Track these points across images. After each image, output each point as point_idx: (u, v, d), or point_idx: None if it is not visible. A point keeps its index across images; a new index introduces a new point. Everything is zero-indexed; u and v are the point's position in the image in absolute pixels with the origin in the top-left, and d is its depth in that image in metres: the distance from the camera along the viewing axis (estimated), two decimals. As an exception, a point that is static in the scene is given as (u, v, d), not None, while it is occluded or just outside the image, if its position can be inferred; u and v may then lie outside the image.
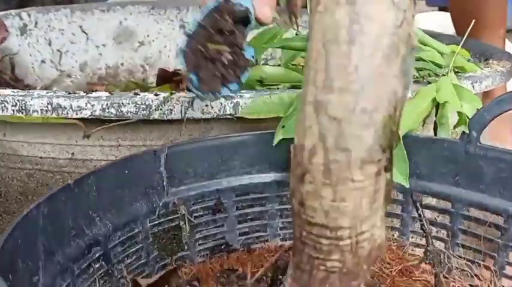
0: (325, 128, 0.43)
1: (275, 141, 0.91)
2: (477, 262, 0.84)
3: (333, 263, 0.46)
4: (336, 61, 0.42)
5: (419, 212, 0.80)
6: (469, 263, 0.85)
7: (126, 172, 0.79)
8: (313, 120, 0.44)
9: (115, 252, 0.76)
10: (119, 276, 0.75)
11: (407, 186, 0.88)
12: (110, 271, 0.74)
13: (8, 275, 0.51)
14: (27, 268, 0.56)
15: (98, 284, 0.71)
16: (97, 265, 0.72)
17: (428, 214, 0.94)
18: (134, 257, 0.81)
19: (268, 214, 1.00)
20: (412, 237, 0.93)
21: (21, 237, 0.57)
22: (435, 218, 0.95)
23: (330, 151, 0.43)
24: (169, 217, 0.88)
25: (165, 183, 0.87)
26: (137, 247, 0.81)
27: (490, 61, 1.35)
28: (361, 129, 0.42)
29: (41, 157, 1.05)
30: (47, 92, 0.97)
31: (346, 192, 0.44)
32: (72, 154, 1.05)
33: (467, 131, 0.86)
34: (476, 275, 0.82)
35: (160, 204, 0.86)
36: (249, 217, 0.99)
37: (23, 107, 0.94)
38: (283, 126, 0.92)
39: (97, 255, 0.72)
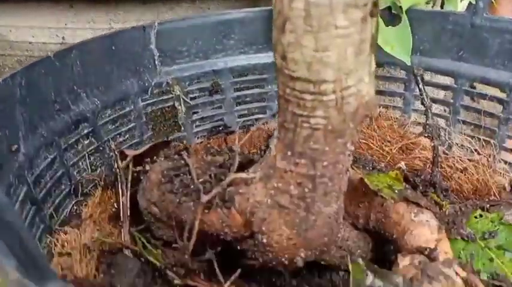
0: (306, -33, 0.39)
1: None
2: (477, 137, 0.82)
3: (317, 120, 0.44)
4: None
5: (420, 86, 0.76)
6: (468, 138, 0.83)
7: (113, 48, 0.76)
8: (293, -40, 0.39)
9: (106, 129, 0.75)
10: (111, 153, 0.74)
11: (409, 64, 0.84)
12: (101, 148, 0.74)
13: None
14: (5, 136, 0.54)
15: (88, 160, 0.70)
16: (86, 142, 0.71)
17: (430, 91, 0.91)
18: (127, 136, 0.80)
19: (267, 95, 0.97)
20: (414, 116, 0.90)
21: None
22: (437, 96, 0.92)
23: (311, -7, 0.39)
24: (164, 97, 0.86)
25: (156, 62, 0.84)
26: (130, 126, 0.80)
27: None
28: (345, -32, 0.38)
29: (30, 42, 1.01)
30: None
31: (328, 40, 0.40)
32: (63, 38, 1.01)
33: (473, 1, 0.80)
34: (476, 150, 0.81)
35: (153, 83, 0.84)
36: (248, 99, 0.97)
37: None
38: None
39: (85, 131, 0.71)
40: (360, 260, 0.58)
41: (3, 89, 0.55)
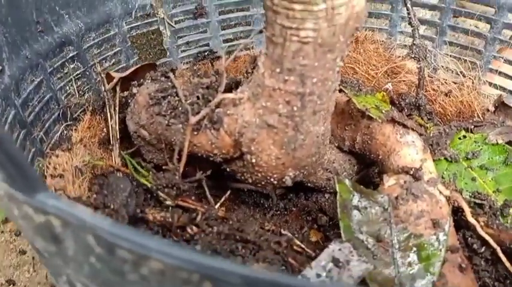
0: None
1: None
2: (463, 59, 0.83)
3: (306, 33, 0.43)
4: None
5: (408, 5, 0.75)
6: (454, 60, 0.83)
7: (93, -33, 0.73)
8: None
9: (91, 54, 0.74)
10: (98, 79, 0.73)
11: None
12: (87, 73, 0.73)
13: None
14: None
15: (75, 84, 0.70)
16: (72, 66, 0.70)
17: (419, 13, 0.90)
18: (113, 61, 0.79)
19: (252, 18, 0.95)
20: (400, 38, 0.90)
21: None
22: (425, 17, 0.91)
23: None
24: (148, 20, 0.84)
25: (140, -18, 0.82)
26: (115, 50, 0.79)
27: None
28: None
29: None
30: None
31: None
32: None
33: None
34: (461, 72, 0.81)
35: (136, 5, 0.81)
36: (233, 23, 0.95)
37: None
38: None
39: (70, 55, 0.69)
40: (347, 181, 0.59)
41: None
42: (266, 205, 0.73)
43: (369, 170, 0.76)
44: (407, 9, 0.76)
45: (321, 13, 0.42)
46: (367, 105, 0.63)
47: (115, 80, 0.61)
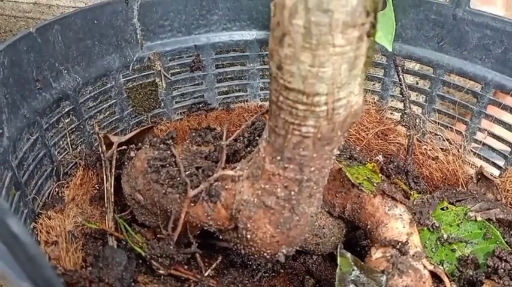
0: (308, -15, 0.39)
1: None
2: (450, 127, 0.85)
3: (307, 129, 0.45)
4: None
5: (400, 76, 0.78)
6: (442, 128, 0.85)
7: (95, 22, 0.74)
8: (295, -24, 0.39)
9: (86, 107, 0.74)
10: (91, 131, 0.74)
11: (390, 50, 0.85)
12: (82, 126, 0.73)
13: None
14: (-11, 123, 0.54)
15: (68, 139, 0.70)
16: (67, 120, 0.70)
17: (409, 79, 0.93)
18: (108, 113, 0.79)
19: (248, 73, 0.97)
20: (391, 101, 0.92)
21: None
22: (416, 83, 0.93)
23: (312, 11, 0.39)
24: (145, 73, 0.85)
25: (138, 36, 0.83)
26: (111, 103, 0.79)
27: None
28: (347, -12, 0.38)
29: (1, 0, 0.97)
30: None
31: (325, 57, 0.41)
32: (37, -2, 0.98)
33: (457, -8, 0.81)
34: (447, 139, 0.84)
35: (134, 58, 0.82)
36: (229, 76, 0.96)
37: None
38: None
39: (66, 109, 0.70)
40: (349, 255, 0.60)
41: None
42: (254, 267, 0.73)
43: (357, 232, 0.78)
44: (400, 80, 0.79)
45: (322, 113, 0.44)
46: (359, 177, 0.65)
47: (114, 146, 0.62)
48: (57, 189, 0.64)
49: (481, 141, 0.82)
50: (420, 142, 0.86)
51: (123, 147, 0.66)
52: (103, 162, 0.62)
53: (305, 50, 0.41)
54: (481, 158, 0.82)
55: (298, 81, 0.43)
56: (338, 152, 0.50)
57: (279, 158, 0.48)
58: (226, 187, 0.54)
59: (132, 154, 0.61)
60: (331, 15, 0.39)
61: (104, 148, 0.62)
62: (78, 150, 0.71)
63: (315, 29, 0.40)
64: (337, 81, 0.43)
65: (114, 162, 0.62)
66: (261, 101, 0.98)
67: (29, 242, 0.24)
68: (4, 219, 0.25)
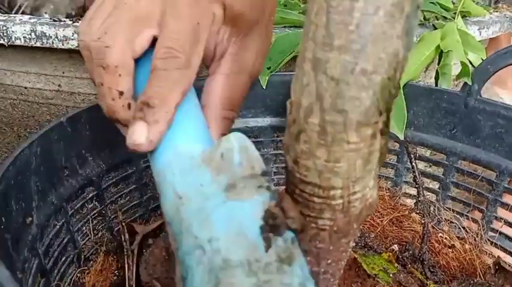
0: (323, 87, 0.41)
1: (263, 84, 0.89)
2: (466, 215, 0.86)
3: (324, 222, 0.47)
4: (337, 17, 0.40)
5: (413, 163, 0.80)
6: (457, 215, 0.86)
7: (121, 112, 0.78)
8: (311, 79, 0.42)
9: (108, 192, 0.76)
10: (112, 216, 0.76)
11: (402, 138, 0.87)
12: (103, 212, 0.75)
13: (1, 218, 0.51)
14: (21, 209, 0.56)
15: (91, 224, 0.72)
16: (90, 205, 0.72)
17: (422, 165, 0.94)
18: (128, 198, 0.81)
19: (263, 158, 0.99)
20: (405, 187, 0.93)
21: (14, 177, 0.56)
22: (429, 170, 0.95)
23: (327, 111, 0.42)
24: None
25: (160, 124, 0.87)
26: (130, 188, 0.82)
27: (500, 5, 1.32)
28: (359, 91, 0.41)
29: (25, 87, 1.02)
30: (30, 18, 0.92)
31: (340, 153, 0.43)
32: (59, 85, 1.02)
33: (469, 83, 0.84)
34: (463, 227, 0.84)
35: (155, 145, 0.85)
36: (245, 160, 0.99)
37: (4, 34, 0.88)
38: (268, 68, 0.89)
39: (90, 195, 0.72)
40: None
41: (21, 160, 0.57)
42: None
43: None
44: (413, 167, 0.80)
45: (338, 206, 0.45)
46: (375, 267, 0.65)
47: (139, 237, 0.63)
48: (78, 275, 0.65)
49: (497, 231, 0.82)
50: (436, 230, 0.86)
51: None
52: (125, 250, 0.63)
53: (320, 147, 0.43)
54: (498, 248, 0.82)
55: (314, 176, 0.45)
56: (354, 244, 0.51)
57: (295, 250, 0.49)
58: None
59: (150, 241, 0.62)
60: (346, 115, 0.42)
61: (127, 236, 0.64)
62: (99, 235, 0.73)
63: (330, 127, 0.42)
64: (352, 175, 0.45)
65: (136, 250, 0.63)
66: (275, 186, 1.00)
67: None
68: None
